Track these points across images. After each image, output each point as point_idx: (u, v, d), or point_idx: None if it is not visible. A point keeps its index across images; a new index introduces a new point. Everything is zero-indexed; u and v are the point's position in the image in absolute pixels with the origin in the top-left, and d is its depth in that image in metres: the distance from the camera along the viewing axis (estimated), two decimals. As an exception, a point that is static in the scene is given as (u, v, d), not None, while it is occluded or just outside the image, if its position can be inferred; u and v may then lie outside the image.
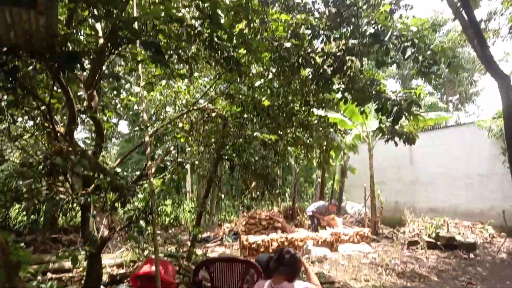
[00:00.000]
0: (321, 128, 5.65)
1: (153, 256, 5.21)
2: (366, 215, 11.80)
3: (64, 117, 4.75)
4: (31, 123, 4.92)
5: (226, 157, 4.40)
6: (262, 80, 4.93)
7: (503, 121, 4.15)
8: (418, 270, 7.65)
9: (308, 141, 6.08)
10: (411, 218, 12.83)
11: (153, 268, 4.53)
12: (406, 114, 3.73)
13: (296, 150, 7.93)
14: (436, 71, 4.06)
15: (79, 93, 3.95)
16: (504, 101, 4.05)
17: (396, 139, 5.08)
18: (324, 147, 6.57)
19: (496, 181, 12.42)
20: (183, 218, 12.70)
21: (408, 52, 3.90)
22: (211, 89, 5.20)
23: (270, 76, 4.85)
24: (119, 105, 5.21)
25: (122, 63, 4.67)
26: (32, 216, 8.85)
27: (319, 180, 14.79)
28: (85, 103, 3.88)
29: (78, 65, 3.09)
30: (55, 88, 3.68)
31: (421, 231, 11.15)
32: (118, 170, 4.17)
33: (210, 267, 3.91)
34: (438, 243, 9.38)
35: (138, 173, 4.84)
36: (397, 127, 5.11)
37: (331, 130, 6.10)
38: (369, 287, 6.44)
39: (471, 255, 8.98)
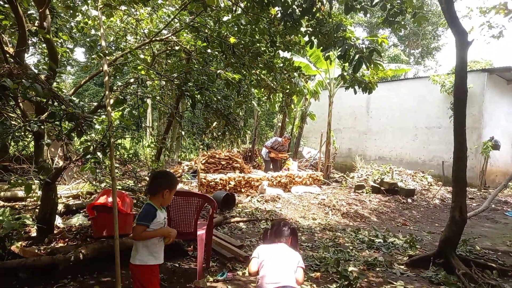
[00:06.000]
0: (285, 71, 5.65)
1: (110, 188, 5.24)
2: (320, 160, 12.40)
3: (13, 38, 4.35)
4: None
5: (188, 94, 4.33)
6: (230, 16, 4.75)
7: (454, 77, 4.38)
8: (361, 211, 8.37)
9: (272, 84, 6.10)
10: (361, 165, 13.71)
11: (110, 198, 4.57)
12: (367, 62, 3.83)
13: (260, 92, 7.94)
14: (401, 20, 4.15)
15: (29, 11, 3.62)
16: (458, 57, 4.25)
17: (356, 87, 5.23)
18: (287, 91, 6.62)
19: (440, 134, 13.42)
20: (142, 154, 12.64)
21: (377, -1, 3.92)
22: (175, 20, 4.94)
23: (239, 12, 4.67)
24: (74, 29, 4.84)
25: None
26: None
27: (280, 124, 15.10)
28: (36, 23, 3.57)
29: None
30: (1, 2, 3.33)
31: (368, 177, 12.00)
32: (75, 99, 4.00)
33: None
34: (382, 188, 10.19)
35: (96, 104, 4.68)
36: (358, 74, 5.23)
37: (295, 74, 6.11)
38: (316, 225, 6.98)
39: (409, 200, 9.91)
